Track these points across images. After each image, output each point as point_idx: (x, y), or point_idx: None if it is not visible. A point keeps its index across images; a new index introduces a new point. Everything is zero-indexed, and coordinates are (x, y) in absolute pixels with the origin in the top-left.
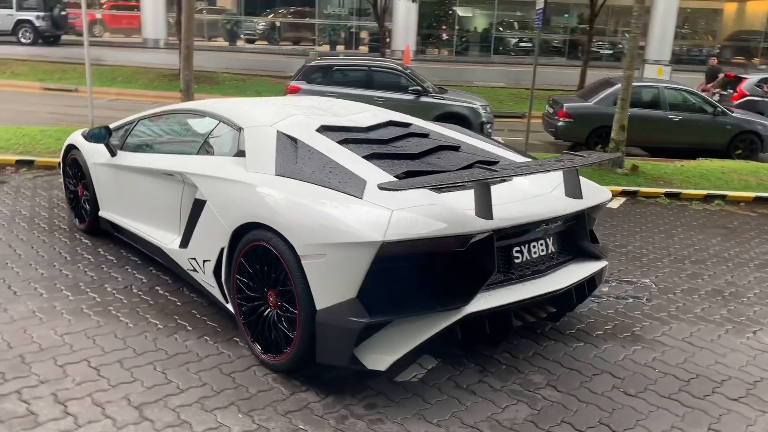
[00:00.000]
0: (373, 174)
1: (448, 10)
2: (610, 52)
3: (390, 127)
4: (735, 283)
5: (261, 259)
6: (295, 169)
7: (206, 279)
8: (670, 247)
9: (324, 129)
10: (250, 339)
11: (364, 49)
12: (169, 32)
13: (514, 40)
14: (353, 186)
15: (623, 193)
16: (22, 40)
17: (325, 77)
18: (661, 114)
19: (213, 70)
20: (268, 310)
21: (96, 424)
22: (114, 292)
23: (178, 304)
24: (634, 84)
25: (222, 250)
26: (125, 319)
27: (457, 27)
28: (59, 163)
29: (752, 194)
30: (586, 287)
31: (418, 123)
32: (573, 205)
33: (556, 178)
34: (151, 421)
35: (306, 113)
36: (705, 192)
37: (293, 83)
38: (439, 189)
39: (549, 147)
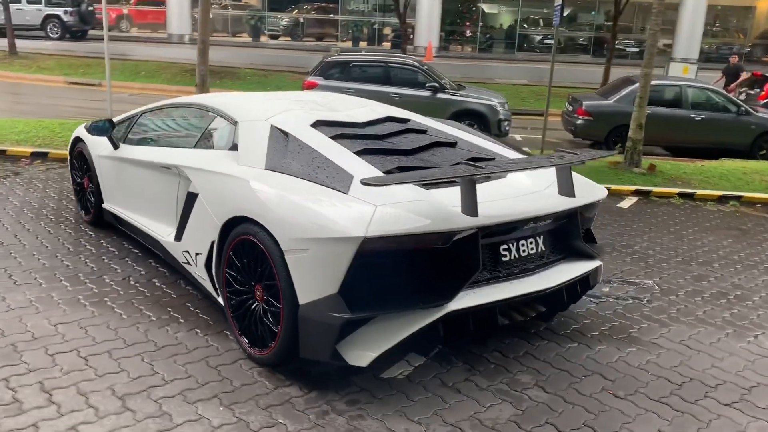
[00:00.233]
0: (362, 169)
1: (472, 6)
2: (637, 49)
3: (388, 122)
4: (741, 286)
5: (248, 253)
6: (283, 164)
7: (198, 272)
8: (678, 248)
9: (319, 124)
10: (237, 332)
11: (387, 45)
12: (193, 28)
13: (538, 37)
14: (340, 181)
15: (635, 193)
16: (50, 35)
17: (342, 73)
18: (683, 113)
19: (236, 65)
20: (255, 303)
21: (78, 413)
22: (112, 283)
23: (174, 296)
24: (656, 82)
25: (212, 243)
26: (119, 310)
27: (480, 23)
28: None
29: None
30: (578, 287)
31: (417, 119)
32: (563, 203)
33: (552, 175)
34: (133, 411)
35: (303, 108)
36: (720, 193)
37: (310, 79)
38: (428, 185)
39: (567, 146)
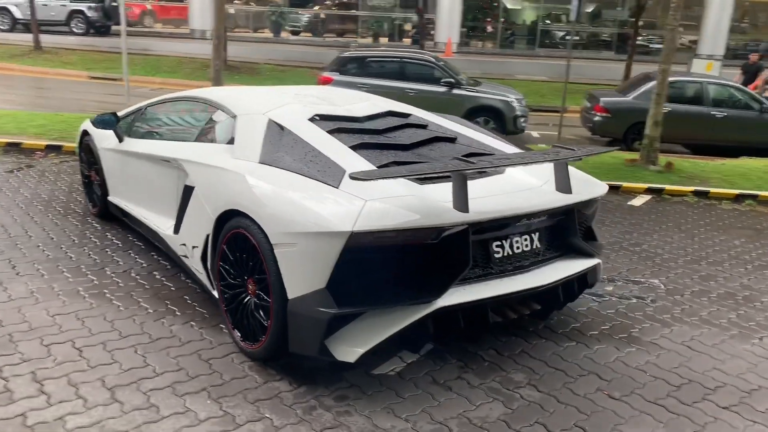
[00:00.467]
0: (355, 164)
1: (494, 2)
2: (660, 46)
3: (388, 117)
4: (750, 287)
5: (241, 246)
6: (277, 158)
7: (195, 265)
8: (687, 247)
9: (317, 118)
10: (231, 326)
11: (407, 41)
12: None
13: (560, 33)
14: (331, 175)
15: (648, 191)
16: (75, 30)
17: (357, 68)
18: (704, 110)
19: (255, 60)
20: (248, 297)
21: (66, 403)
22: (113, 275)
23: (173, 289)
24: (676, 79)
25: (207, 236)
26: (118, 302)
27: (501, 19)
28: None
29: None
30: (575, 285)
31: (418, 114)
32: (559, 200)
33: (551, 171)
34: (121, 403)
35: (303, 102)
36: (736, 191)
37: (326, 74)
38: (423, 181)
39: (584, 143)
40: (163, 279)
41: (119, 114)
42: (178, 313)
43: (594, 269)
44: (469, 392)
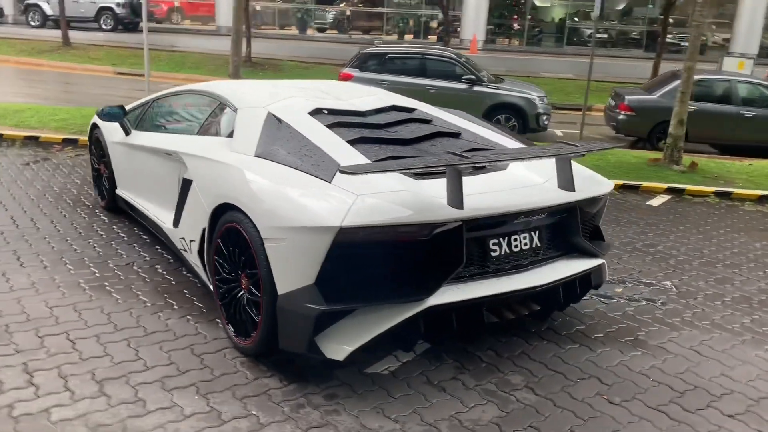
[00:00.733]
0: (351, 158)
1: None
2: None
3: (392, 111)
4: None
5: (234, 241)
6: (272, 151)
7: (193, 259)
8: (704, 249)
9: (318, 112)
10: (225, 321)
11: (432, 38)
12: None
13: (588, 31)
14: (325, 170)
15: (668, 191)
16: (103, 27)
17: (378, 65)
18: (733, 109)
19: (280, 57)
20: (241, 292)
21: (54, 395)
22: (115, 268)
23: (173, 282)
24: (705, 77)
25: (204, 230)
26: (117, 295)
27: (529, 17)
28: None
29: None
30: (577, 286)
31: (423, 108)
32: (560, 197)
33: (554, 168)
34: (108, 396)
35: (306, 96)
36: (760, 192)
37: (346, 70)
38: (420, 176)
39: (609, 142)
40: (165, 273)
41: (127, 108)
42: (176, 307)
43: (598, 270)
44: (463, 394)
